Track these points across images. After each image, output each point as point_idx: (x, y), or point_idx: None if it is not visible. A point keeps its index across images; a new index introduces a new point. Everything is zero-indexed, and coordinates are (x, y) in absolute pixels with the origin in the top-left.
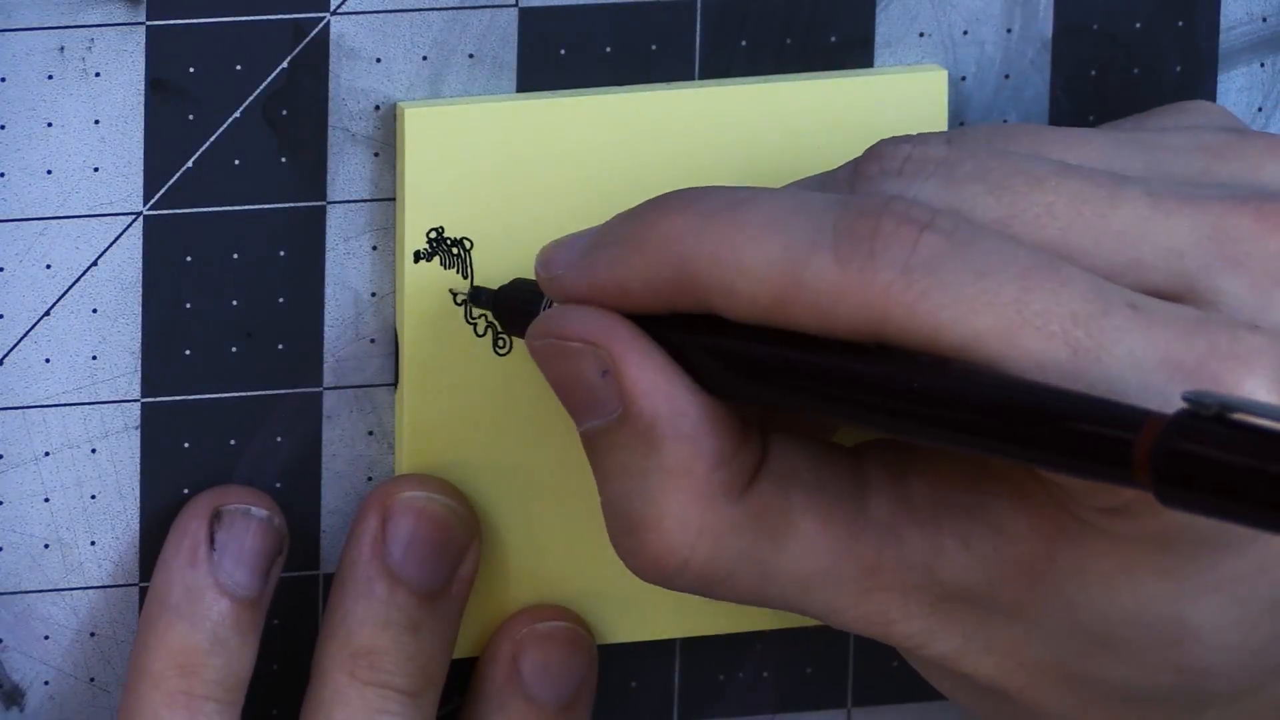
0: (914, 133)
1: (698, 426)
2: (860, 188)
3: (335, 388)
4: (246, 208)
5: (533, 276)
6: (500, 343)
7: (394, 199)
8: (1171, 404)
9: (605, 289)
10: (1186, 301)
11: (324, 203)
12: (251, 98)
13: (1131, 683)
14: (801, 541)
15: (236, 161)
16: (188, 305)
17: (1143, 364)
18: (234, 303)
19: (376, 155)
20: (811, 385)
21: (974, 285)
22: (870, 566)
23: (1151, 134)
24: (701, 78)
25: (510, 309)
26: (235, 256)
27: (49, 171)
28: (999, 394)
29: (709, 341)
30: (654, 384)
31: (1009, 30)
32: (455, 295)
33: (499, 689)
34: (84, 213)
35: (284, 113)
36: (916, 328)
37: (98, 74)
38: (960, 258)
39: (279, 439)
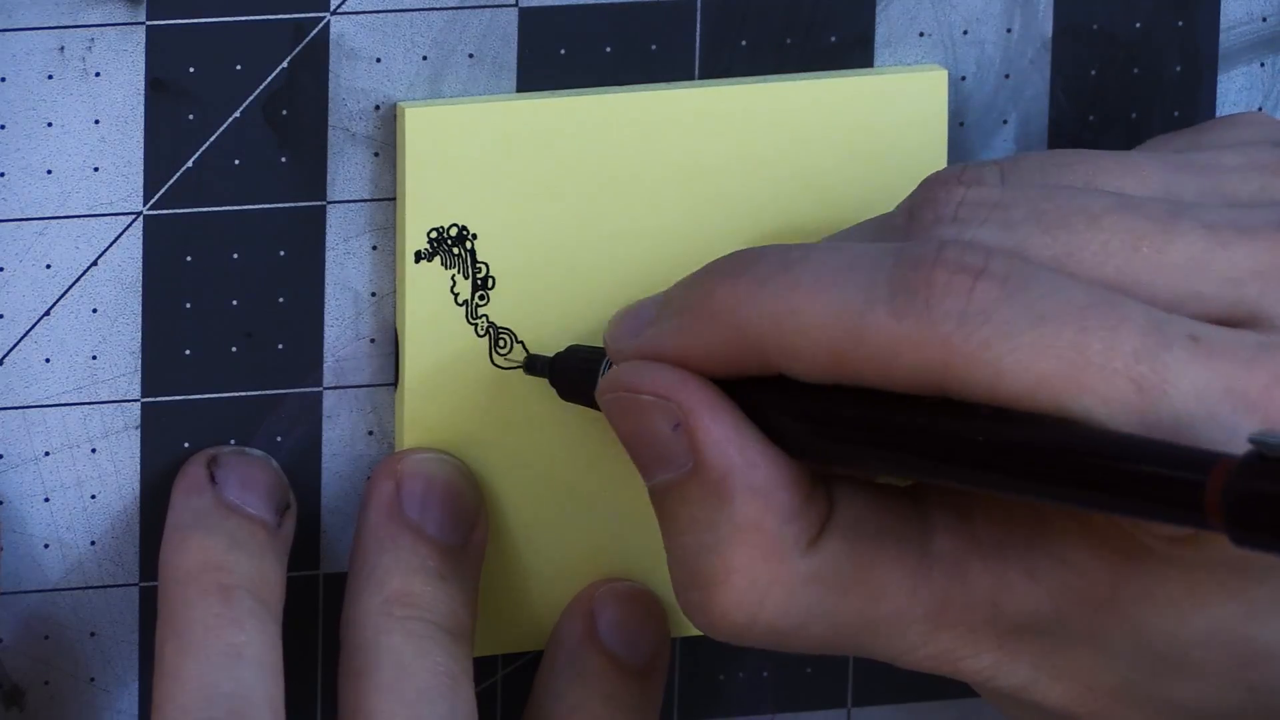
0: (965, 164)
1: (769, 480)
2: (915, 236)
3: (335, 388)
4: (246, 208)
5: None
6: (501, 343)
7: (394, 199)
8: (1238, 435)
9: (669, 360)
10: (1248, 328)
11: (324, 203)
12: (251, 98)
13: (1203, 702)
14: (869, 589)
15: (236, 161)
16: (188, 305)
17: (1207, 396)
18: (234, 303)
19: (376, 155)
20: (878, 443)
21: (1032, 330)
22: (937, 606)
23: (1205, 154)
24: (701, 78)
25: (568, 376)
26: (235, 256)
27: (49, 171)
28: (1065, 445)
29: (777, 401)
30: (726, 437)
31: (1009, 30)
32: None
33: (576, 645)
34: (84, 213)
35: (284, 113)
36: (978, 377)
37: (98, 74)
38: (1016, 303)
39: (279, 439)
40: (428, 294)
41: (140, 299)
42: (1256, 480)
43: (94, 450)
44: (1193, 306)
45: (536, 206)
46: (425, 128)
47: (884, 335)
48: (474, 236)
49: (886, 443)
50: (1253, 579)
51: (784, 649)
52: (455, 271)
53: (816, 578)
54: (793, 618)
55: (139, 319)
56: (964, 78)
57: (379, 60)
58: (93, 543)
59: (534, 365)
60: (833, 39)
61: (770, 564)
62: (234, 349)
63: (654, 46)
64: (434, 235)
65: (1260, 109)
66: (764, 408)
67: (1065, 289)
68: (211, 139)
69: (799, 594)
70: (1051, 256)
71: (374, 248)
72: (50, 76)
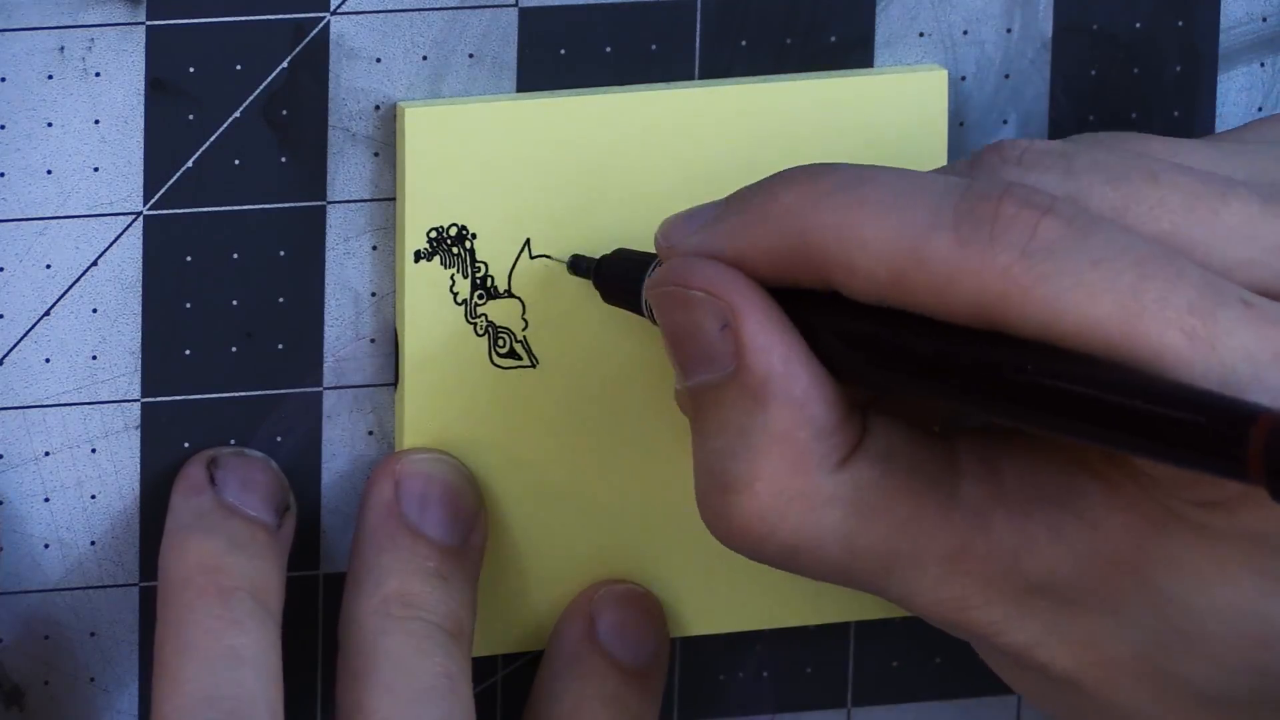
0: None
1: (807, 392)
2: (980, 176)
3: (335, 388)
4: (246, 208)
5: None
6: (500, 343)
7: (394, 199)
8: None
9: (725, 259)
10: None
11: (324, 203)
12: (251, 98)
13: (1212, 682)
14: (891, 520)
15: (236, 161)
16: (188, 305)
17: (1256, 357)
18: (234, 303)
19: (376, 155)
20: (927, 368)
21: (1092, 271)
22: (956, 551)
23: (1253, 145)
24: (701, 78)
25: (612, 278)
26: (235, 256)
27: (49, 171)
28: (1113, 386)
29: (827, 319)
30: (771, 342)
31: (1009, 30)
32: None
33: (575, 647)
34: (84, 213)
35: (284, 113)
36: (1034, 311)
37: (98, 74)
38: (1078, 243)
39: (279, 439)
40: (427, 293)
41: (140, 299)
42: None
43: (94, 450)
44: (1243, 273)
45: (536, 206)
46: (425, 128)
47: (945, 260)
48: (473, 236)
49: (931, 368)
50: (1278, 554)
51: (797, 569)
52: (455, 271)
53: (840, 498)
54: (811, 534)
55: (139, 319)
56: (964, 78)
57: (379, 60)
58: (93, 543)
59: (579, 265)
60: (833, 39)
61: (797, 476)
62: (234, 349)
63: (654, 46)
64: (434, 235)
65: (1260, 109)
66: (813, 323)
67: (1127, 238)
68: (211, 139)
69: (821, 512)
70: (1110, 207)
71: (374, 248)
72: (50, 76)
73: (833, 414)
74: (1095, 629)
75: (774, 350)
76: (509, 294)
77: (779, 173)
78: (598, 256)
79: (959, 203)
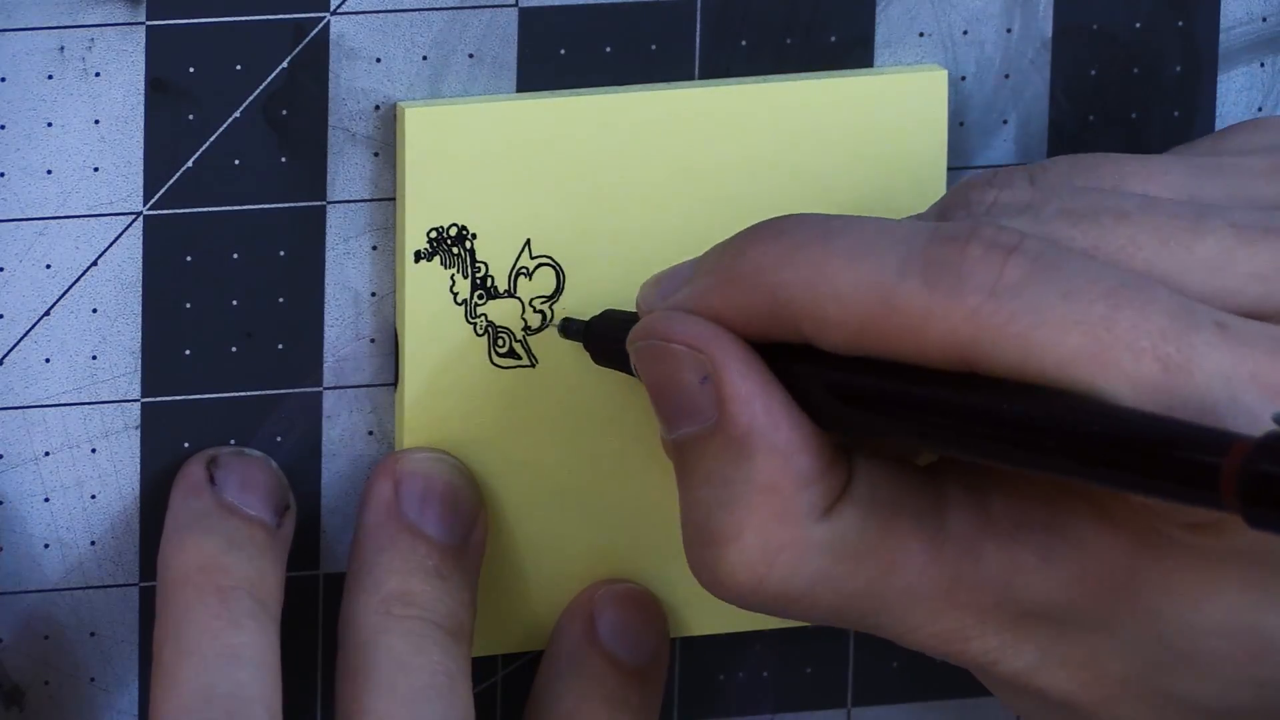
0: (995, 170)
1: (791, 443)
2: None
3: (335, 388)
4: (246, 208)
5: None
6: (500, 343)
7: (394, 199)
8: (1260, 421)
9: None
10: (1275, 322)
11: (324, 203)
12: (251, 98)
13: (1210, 698)
14: (880, 563)
15: (236, 161)
16: (188, 305)
17: (1232, 380)
18: (234, 303)
19: (376, 155)
20: (905, 414)
21: (1062, 306)
22: (948, 585)
23: (1228, 159)
24: (701, 78)
25: (602, 340)
26: (235, 256)
27: (49, 171)
28: (1087, 422)
29: (805, 368)
30: (753, 394)
31: (1009, 30)
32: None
33: (576, 646)
34: (84, 213)
35: (284, 113)
36: (1006, 351)
37: (98, 74)
38: (1047, 279)
39: (279, 439)
40: (427, 294)
41: (140, 299)
42: (1275, 461)
43: (94, 450)
44: (1219, 301)
45: (536, 206)
46: (425, 128)
47: (915, 306)
48: (473, 236)
49: (910, 414)
50: (1269, 570)
51: (788, 616)
52: (455, 271)
53: (828, 546)
54: (800, 583)
55: (139, 319)
56: (964, 78)
57: (379, 60)
58: (93, 543)
59: (569, 328)
60: (833, 39)
61: (783, 527)
62: (234, 349)
63: (654, 46)
64: (434, 235)
65: (1260, 109)
66: (792, 374)
67: (1096, 270)
68: (211, 139)
69: (809, 560)
70: (1081, 249)
71: (374, 248)
72: (50, 76)
73: (817, 462)
74: (1091, 651)
75: (756, 401)
76: (509, 294)
77: (746, 230)
78: (587, 318)
79: (926, 248)
